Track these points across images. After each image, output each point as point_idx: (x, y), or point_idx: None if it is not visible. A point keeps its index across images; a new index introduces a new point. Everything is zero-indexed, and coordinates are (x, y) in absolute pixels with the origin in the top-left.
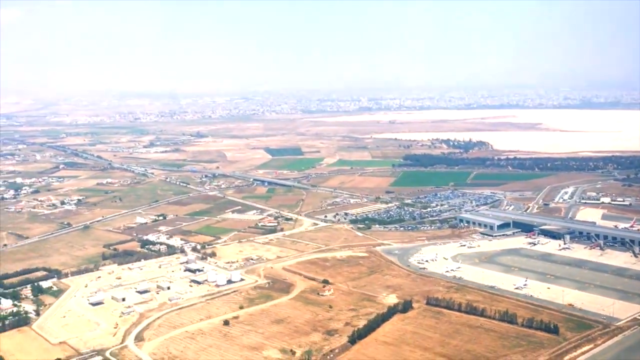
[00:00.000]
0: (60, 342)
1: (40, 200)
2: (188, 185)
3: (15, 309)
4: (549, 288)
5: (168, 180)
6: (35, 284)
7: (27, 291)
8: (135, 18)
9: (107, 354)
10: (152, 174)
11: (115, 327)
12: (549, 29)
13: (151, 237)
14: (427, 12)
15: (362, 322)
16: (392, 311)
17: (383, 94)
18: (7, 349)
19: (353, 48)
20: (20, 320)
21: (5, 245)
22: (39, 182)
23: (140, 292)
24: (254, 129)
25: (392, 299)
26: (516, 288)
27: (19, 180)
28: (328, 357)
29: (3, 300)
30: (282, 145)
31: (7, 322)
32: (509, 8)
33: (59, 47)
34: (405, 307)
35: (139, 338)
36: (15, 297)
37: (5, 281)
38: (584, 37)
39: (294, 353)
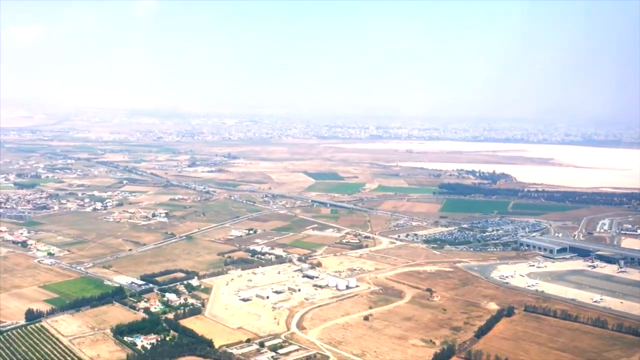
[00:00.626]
0: (238, 327)
1: (131, 212)
2: (255, 204)
3: (182, 301)
4: (622, 302)
5: (232, 198)
6: (186, 282)
7: (181, 288)
8: (132, 36)
9: (282, 337)
10: (214, 192)
11: (274, 319)
12: (541, 64)
13: (254, 248)
14: (418, 41)
15: (478, 322)
16: (499, 314)
17: (384, 121)
18: (198, 330)
19: (345, 74)
20: (194, 310)
21: (130, 250)
22: (115, 195)
23: (277, 293)
24: (279, 152)
25: (493, 306)
26: (594, 301)
27: (96, 193)
28: (463, 346)
29: (168, 294)
30: (317, 170)
31: (180, 311)
32: (501, 43)
33: (60, 62)
34: (509, 312)
35: (300, 327)
36: (175, 292)
37: (158, 279)
38: (576, 73)
39: (433, 343)
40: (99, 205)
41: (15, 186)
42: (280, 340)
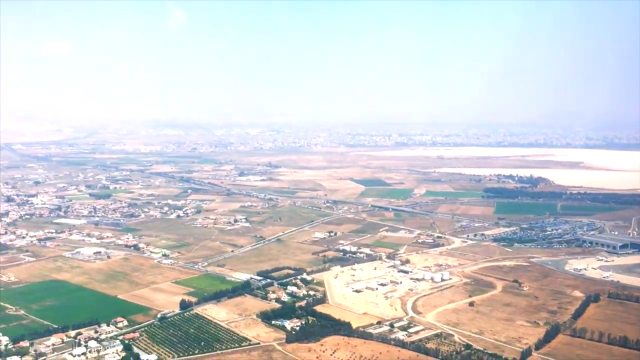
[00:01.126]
0: (363, 313)
1: (213, 218)
2: (320, 209)
3: (304, 292)
4: None
5: (297, 204)
6: (299, 277)
7: (297, 282)
8: (144, 50)
9: (405, 320)
10: (277, 199)
11: (391, 305)
12: (541, 68)
13: (343, 248)
14: (416, 47)
15: (570, 307)
16: (587, 300)
17: (401, 128)
18: (331, 315)
19: (347, 82)
20: (318, 299)
21: (232, 251)
22: (188, 203)
23: (382, 285)
24: (316, 161)
25: (578, 293)
26: None
27: (170, 202)
28: (565, 325)
29: (290, 287)
30: (362, 177)
31: (307, 300)
32: (499, 48)
33: (82, 76)
34: (595, 298)
35: (416, 312)
36: (295, 285)
37: (274, 275)
38: (576, 76)
39: (537, 324)
40: (180, 212)
41: (91, 197)
42: (405, 322)
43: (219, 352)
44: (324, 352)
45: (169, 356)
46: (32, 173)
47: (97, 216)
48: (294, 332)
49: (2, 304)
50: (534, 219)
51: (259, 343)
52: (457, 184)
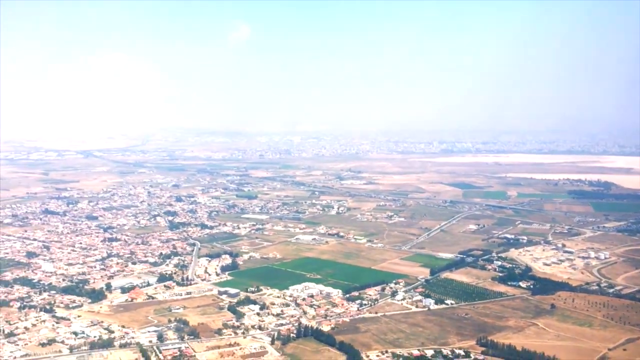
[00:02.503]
0: (567, 278)
1: (370, 214)
2: (447, 208)
3: (509, 265)
4: None
5: (422, 204)
6: (495, 255)
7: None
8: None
9: (603, 282)
10: (399, 199)
11: (582, 273)
12: (543, 73)
13: (504, 235)
14: (412, 55)
15: None
16: None
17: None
18: (549, 278)
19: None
20: (526, 270)
21: (417, 237)
22: (331, 203)
23: (561, 261)
24: (389, 167)
25: None
26: None
27: (309, 202)
28: None
29: (495, 262)
30: (450, 181)
31: (519, 270)
32: (502, 54)
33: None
34: None
35: (605, 278)
36: (498, 260)
37: (472, 253)
38: (576, 82)
39: None
40: (335, 209)
41: (238, 197)
42: (605, 284)
43: (491, 299)
44: (564, 301)
45: (457, 302)
46: (150, 177)
47: (269, 213)
48: (531, 289)
49: (296, 271)
50: (634, 215)
51: (513, 295)
52: (537, 187)
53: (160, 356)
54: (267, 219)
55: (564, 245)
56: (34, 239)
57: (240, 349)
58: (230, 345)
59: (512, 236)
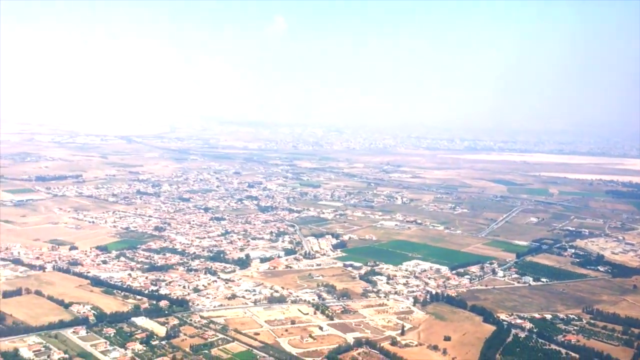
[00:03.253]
0: None
1: (434, 205)
2: (500, 202)
3: (584, 252)
4: None
5: (474, 198)
6: (567, 243)
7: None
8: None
9: None
10: (452, 193)
11: None
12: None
13: (564, 228)
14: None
15: None
16: None
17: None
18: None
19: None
20: (599, 256)
21: (487, 227)
22: (391, 193)
23: None
24: (423, 162)
25: None
26: None
27: (370, 192)
28: None
29: (569, 249)
30: (491, 178)
31: (594, 256)
32: (505, 56)
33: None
34: None
35: None
36: (572, 248)
37: (545, 242)
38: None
39: None
40: (400, 199)
41: (302, 185)
42: None
43: (578, 279)
44: None
45: (550, 280)
46: (205, 164)
47: (341, 201)
48: (610, 272)
49: (397, 251)
50: None
51: (595, 277)
52: (575, 186)
53: (329, 310)
54: (342, 206)
55: (624, 238)
56: (149, 216)
57: (390, 308)
58: (379, 305)
59: (573, 229)
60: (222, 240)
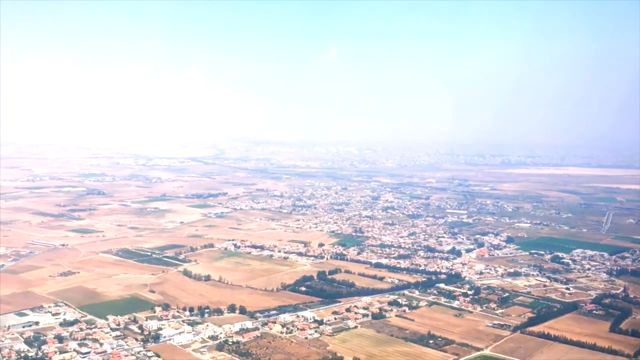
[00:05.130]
0: None
1: (542, 212)
2: (588, 208)
3: None
4: None
5: (566, 206)
6: None
7: None
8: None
9: None
10: (542, 202)
11: None
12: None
13: None
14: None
15: None
16: None
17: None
18: None
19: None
20: None
21: (603, 225)
22: (504, 205)
23: None
24: (480, 177)
25: None
26: None
27: (484, 203)
28: None
29: None
30: (556, 189)
31: None
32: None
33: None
34: None
35: None
36: None
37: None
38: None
39: None
40: (520, 210)
41: (411, 198)
42: None
43: None
44: None
45: None
46: (322, 183)
47: (462, 209)
48: None
49: (554, 244)
50: None
51: None
52: (633, 194)
53: (559, 277)
54: (468, 213)
55: None
56: (334, 222)
57: (593, 279)
58: (585, 276)
59: None
60: (415, 239)
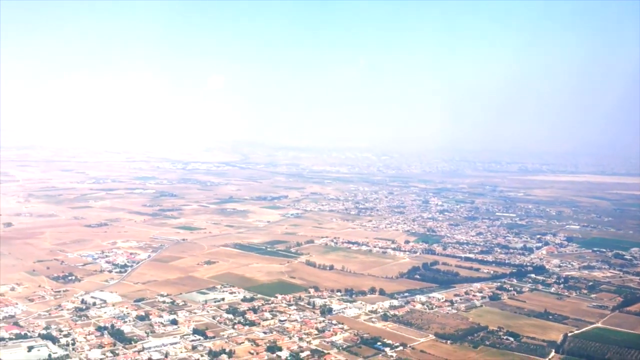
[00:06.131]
0: None
1: (585, 216)
2: (622, 212)
3: None
4: None
5: (604, 209)
6: None
7: None
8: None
9: None
10: (579, 207)
11: None
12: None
13: None
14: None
15: None
16: None
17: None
18: None
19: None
20: None
21: None
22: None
23: None
24: (507, 183)
25: None
26: None
27: (530, 207)
28: None
29: None
30: (584, 195)
31: None
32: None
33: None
34: None
35: None
36: None
37: None
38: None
39: None
40: (562, 214)
41: (456, 202)
42: None
43: None
44: None
45: None
46: (364, 188)
47: (509, 212)
48: None
49: (614, 242)
50: None
51: None
52: None
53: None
54: (516, 216)
55: None
56: (402, 222)
57: None
58: None
59: None
60: (484, 237)
